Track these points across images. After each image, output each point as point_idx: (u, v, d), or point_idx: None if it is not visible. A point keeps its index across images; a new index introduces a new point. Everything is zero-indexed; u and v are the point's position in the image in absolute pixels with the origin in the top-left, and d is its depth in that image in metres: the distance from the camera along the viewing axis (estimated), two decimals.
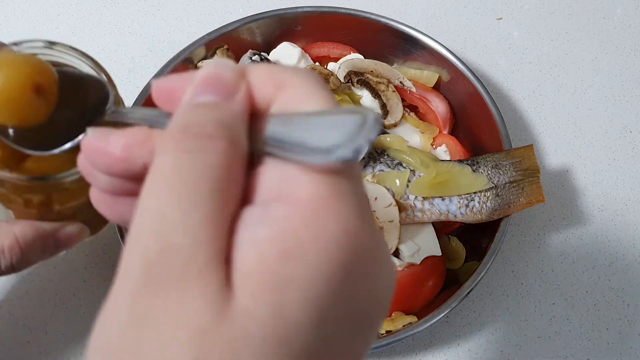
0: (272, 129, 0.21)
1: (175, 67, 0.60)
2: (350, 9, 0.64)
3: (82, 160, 0.24)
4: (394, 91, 0.60)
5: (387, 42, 0.63)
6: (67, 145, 0.30)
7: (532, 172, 0.55)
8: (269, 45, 0.64)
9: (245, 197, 0.20)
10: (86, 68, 0.37)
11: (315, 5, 0.64)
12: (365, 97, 0.60)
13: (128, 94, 0.62)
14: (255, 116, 0.21)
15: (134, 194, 0.23)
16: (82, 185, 0.38)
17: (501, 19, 0.74)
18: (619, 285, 0.58)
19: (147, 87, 0.59)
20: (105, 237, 0.53)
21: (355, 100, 0.60)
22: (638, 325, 0.57)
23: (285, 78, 0.22)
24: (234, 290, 0.18)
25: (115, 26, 0.71)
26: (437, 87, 0.64)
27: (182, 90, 0.22)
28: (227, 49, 0.63)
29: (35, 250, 0.40)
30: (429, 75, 0.63)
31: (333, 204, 0.19)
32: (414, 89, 0.61)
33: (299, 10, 0.64)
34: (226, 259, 0.19)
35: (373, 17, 0.63)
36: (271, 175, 0.20)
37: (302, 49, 0.62)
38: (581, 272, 0.59)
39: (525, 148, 0.55)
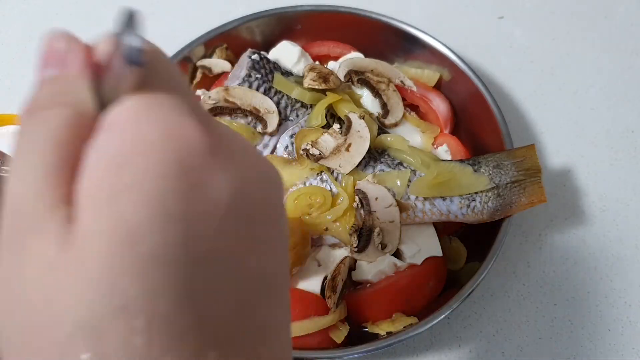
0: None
1: None
2: (351, 8, 0.63)
3: None
4: (394, 90, 0.60)
5: (388, 41, 0.63)
6: None
7: (533, 172, 0.54)
8: (269, 44, 0.63)
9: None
10: None
11: (315, 4, 0.64)
12: (366, 97, 0.60)
13: None
14: (104, 69, 0.23)
15: None
16: None
17: (502, 18, 0.74)
18: (620, 286, 0.58)
19: None
20: None
21: (356, 99, 0.59)
22: None
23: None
24: (78, 219, 0.20)
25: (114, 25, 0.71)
26: (438, 87, 0.63)
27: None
28: (226, 48, 0.63)
29: None
30: (430, 74, 0.63)
31: (147, 114, 0.21)
32: (414, 88, 0.61)
33: (299, 9, 0.64)
34: (72, 199, 0.21)
35: (374, 16, 0.63)
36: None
37: (302, 47, 0.62)
38: (583, 273, 0.59)
39: (526, 148, 0.55)
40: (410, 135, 0.59)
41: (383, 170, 0.54)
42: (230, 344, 0.21)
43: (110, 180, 0.20)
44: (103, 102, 0.22)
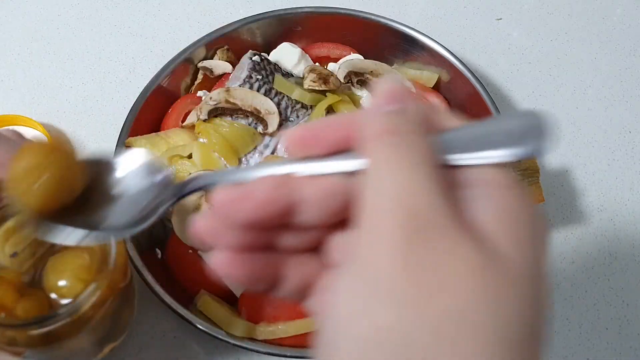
0: (446, 136, 0.25)
1: (175, 68, 0.61)
2: (350, 10, 0.64)
3: (206, 223, 0.25)
4: None
5: (387, 42, 0.64)
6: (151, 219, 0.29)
7: (531, 172, 0.55)
8: (269, 45, 0.64)
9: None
10: None
11: (315, 6, 0.64)
12: (365, 97, 0.60)
13: (129, 94, 0.62)
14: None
15: (265, 247, 0.25)
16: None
17: (501, 19, 0.74)
18: (618, 285, 0.58)
19: (148, 88, 0.59)
20: None
21: (355, 100, 0.60)
22: (637, 324, 0.57)
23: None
24: (490, 243, 0.22)
25: (116, 27, 0.71)
26: (437, 88, 0.64)
27: (328, 135, 0.25)
28: (227, 50, 0.63)
29: None
30: (429, 75, 0.63)
31: (518, 189, 0.24)
32: (413, 90, 0.61)
33: (299, 10, 0.64)
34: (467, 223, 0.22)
35: (373, 17, 0.63)
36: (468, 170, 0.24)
37: (302, 49, 0.63)
38: (580, 272, 0.59)
39: None
40: None
41: None
42: None
43: (523, 233, 0.22)
44: None
